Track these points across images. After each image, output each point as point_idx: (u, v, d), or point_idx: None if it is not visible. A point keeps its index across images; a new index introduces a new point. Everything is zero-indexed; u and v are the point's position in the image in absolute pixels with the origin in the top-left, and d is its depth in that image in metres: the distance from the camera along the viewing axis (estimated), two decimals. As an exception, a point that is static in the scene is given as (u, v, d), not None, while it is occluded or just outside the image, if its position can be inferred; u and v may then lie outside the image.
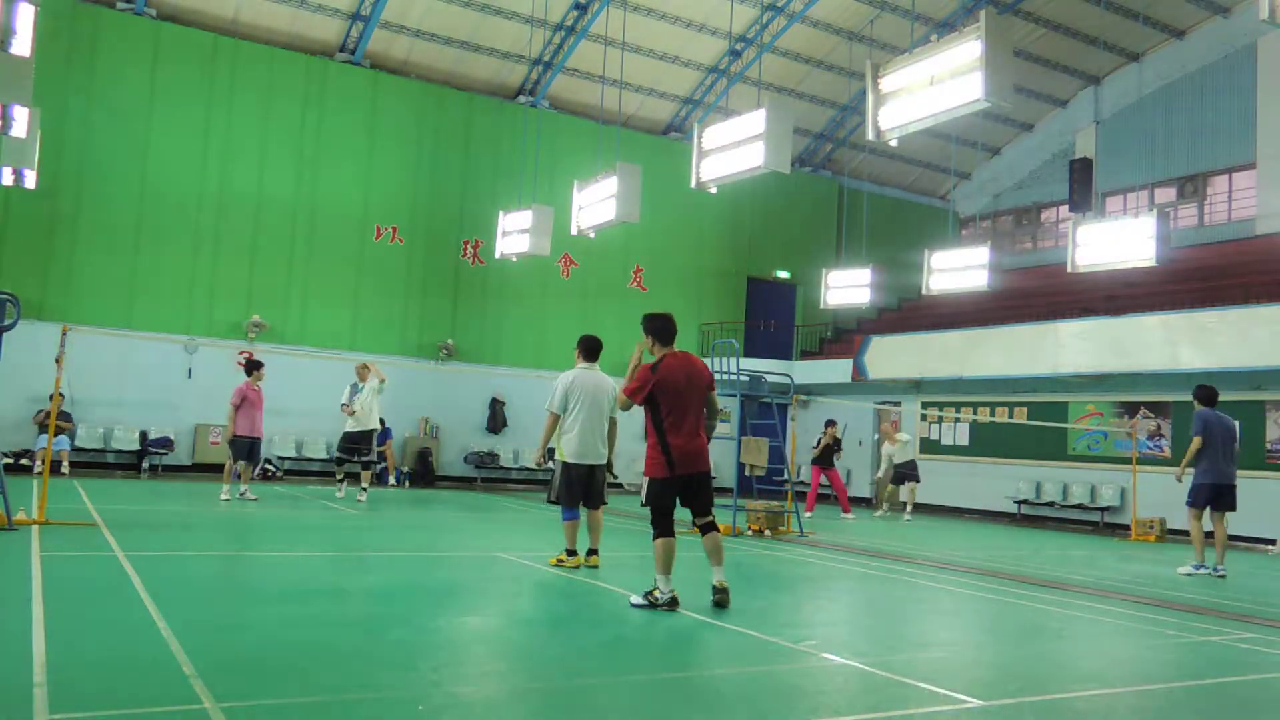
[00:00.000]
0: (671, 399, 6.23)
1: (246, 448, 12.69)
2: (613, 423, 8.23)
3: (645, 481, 6.38)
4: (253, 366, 12.99)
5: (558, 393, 8.06)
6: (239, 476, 13.06)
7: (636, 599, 6.25)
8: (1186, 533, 10.82)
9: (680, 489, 6.31)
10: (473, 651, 5.06)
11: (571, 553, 8.13)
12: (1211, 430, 10.01)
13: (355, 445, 13.51)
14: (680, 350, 6.48)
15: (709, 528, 6.41)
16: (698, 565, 6.70)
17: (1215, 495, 10.04)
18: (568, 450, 8.04)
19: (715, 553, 6.39)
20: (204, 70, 18.62)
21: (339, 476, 14.01)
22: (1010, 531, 16.41)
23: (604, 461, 8.18)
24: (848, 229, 25.62)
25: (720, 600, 6.25)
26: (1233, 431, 10.29)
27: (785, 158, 11.05)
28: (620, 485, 18.08)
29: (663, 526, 6.29)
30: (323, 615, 5.72)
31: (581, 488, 8.11)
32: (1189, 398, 10.71)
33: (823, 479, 17.24)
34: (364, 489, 13.64)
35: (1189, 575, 10.04)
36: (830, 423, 17.54)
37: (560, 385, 8.08)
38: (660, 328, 6.45)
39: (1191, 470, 10.20)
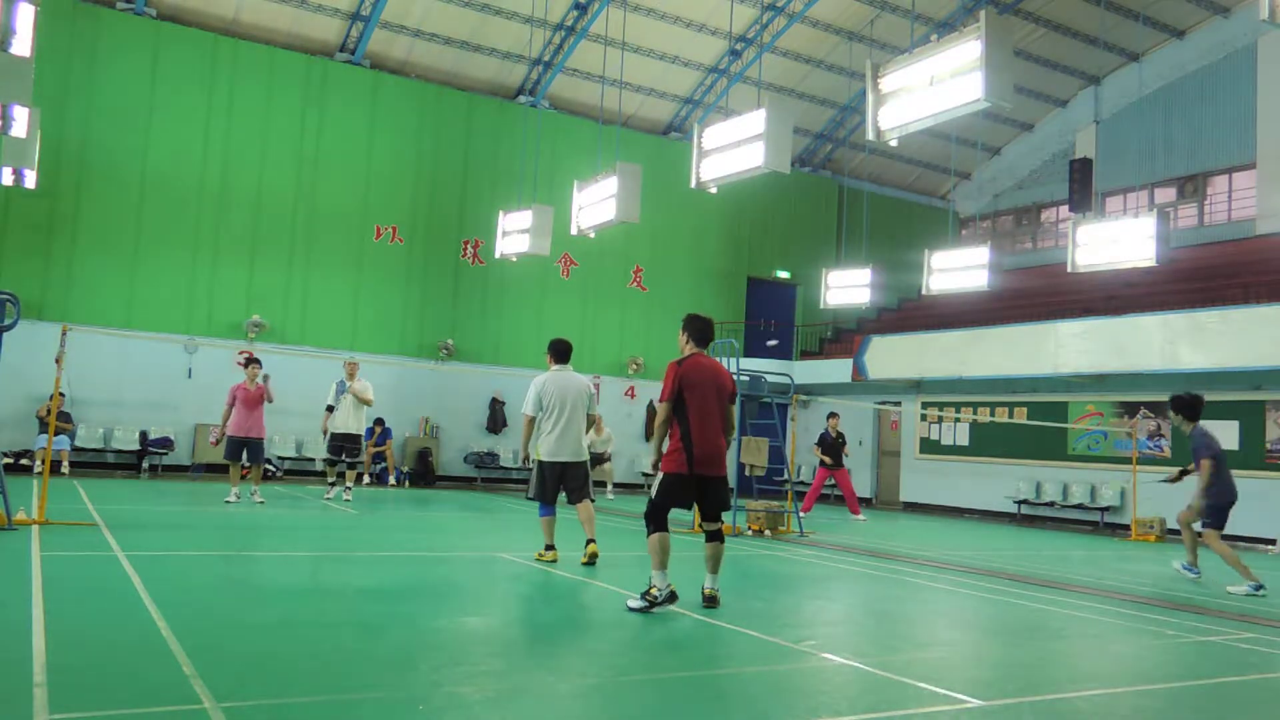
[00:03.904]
0: (696, 396, 6.37)
1: (236, 447, 12.65)
2: (593, 418, 8.50)
3: (659, 476, 6.45)
4: (248, 365, 12.92)
5: (530, 396, 8.43)
6: (245, 477, 12.98)
7: (635, 602, 6.22)
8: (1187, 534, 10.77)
9: (695, 489, 6.39)
10: (473, 651, 5.06)
11: (550, 547, 8.35)
12: (1218, 446, 9.35)
13: (343, 445, 13.65)
14: (709, 356, 6.71)
15: (715, 536, 6.48)
16: (699, 565, 6.70)
17: (1227, 512, 9.27)
18: (542, 449, 8.31)
19: (714, 561, 6.47)
20: (204, 70, 18.62)
21: (330, 479, 14.04)
22: (1010, 531, 16.40)
23: (581, 459, 8.39)
24: (848, 229, 25.62)
25: (708, 606, 6.33)
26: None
27: (785, 158, 11.06)
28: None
29: (658, 522, 6.36)
30: (323, 615, 5.72)
31: (555, 485, 8.31)
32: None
33: (829, 480, 16.80)
34: (348, 488, 13.93)
35: (1249, 595, 8.71)
36: (833, 415, 16.95)
37: (533, 388, 8.44)
38: (698, 330, 6.72)
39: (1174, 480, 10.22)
